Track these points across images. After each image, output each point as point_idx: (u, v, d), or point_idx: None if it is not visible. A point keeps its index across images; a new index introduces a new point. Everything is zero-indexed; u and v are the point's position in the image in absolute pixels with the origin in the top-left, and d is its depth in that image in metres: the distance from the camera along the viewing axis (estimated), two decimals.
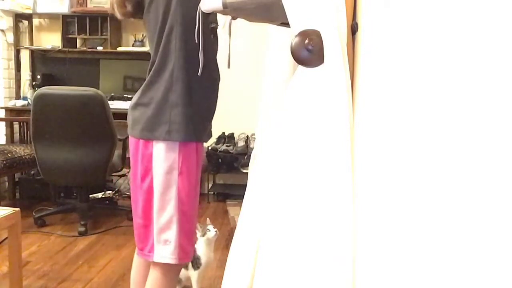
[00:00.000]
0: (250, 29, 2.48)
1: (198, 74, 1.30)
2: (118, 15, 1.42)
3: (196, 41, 1.27)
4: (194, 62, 1.32)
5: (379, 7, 0.81)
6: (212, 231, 2.14)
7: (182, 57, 1.31)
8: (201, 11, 1.22)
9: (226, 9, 1.12)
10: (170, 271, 1.44)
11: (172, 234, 1.36)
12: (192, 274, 2.11)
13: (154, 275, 1.44)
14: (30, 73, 4.13)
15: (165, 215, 1.36)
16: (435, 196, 0.58)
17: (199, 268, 2.10)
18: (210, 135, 1.48)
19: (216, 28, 1.41)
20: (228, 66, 1.44)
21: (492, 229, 0.47)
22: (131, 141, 1.41)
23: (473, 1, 0.51)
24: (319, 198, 0.84)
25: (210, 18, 1.36)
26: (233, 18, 1.39)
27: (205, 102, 1.40)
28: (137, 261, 1.59)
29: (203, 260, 2.10)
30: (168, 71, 1.32)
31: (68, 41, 4.01)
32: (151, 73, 1.35)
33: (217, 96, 1.46)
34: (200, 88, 1.37)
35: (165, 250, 1.37)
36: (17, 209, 1.83)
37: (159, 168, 1.33)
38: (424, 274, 0.61)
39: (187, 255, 1.42)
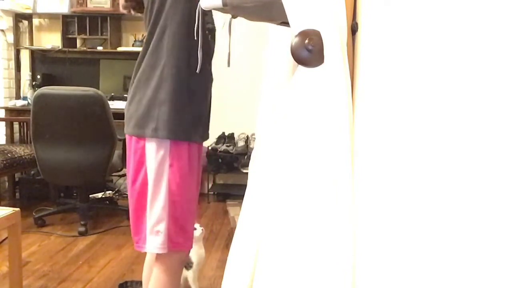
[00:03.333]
0: (250, 28, 2.48)
1: (197, 71, 1.32)
2: (120, 7, 1.46)
3: (196, 38, 1.29)
4: (186, 61, 1.34)
5: (379, 7, 0.81)
6: (198, 229, 2.16)
7: (174, 56, 1.32)
8: (201, 8, 1.22)
9: (225, 7, 1.12)
10: (171, 268, 1.45)
11: (162, 224, 1.38)
12: (187, 274, 2.12)
13: (156, 273, 1.46)
14: (30, 73, 4.13)
15: (156, 206, 1.38)
16: (435, 196, 0.58)
17: (191, 267, 2.11)
18: (205, 137, 1.48)
19: (214, 29, 1.42)
20: (228, 65, 1.45)
21: (492, 229, 0.47)
22: (126, 137, 1.43)
23: (473, 0, 0.51)
24: (318, 198, 0.84)
25: (206, 19, 1.37)
26: (233, 16, 1.39)
27: (196, 102, 1.41)
28: (149, 259, 1.61)
29: (194, 259, 2.12)
30: (159, 68, 1.33)
31: (68, 41, 4.01)
32: (145, 69, 1.36)
33: (210, 98, 1.47)
34: (193, 88, 1.38)
35: (155, 241, 1.39)
36: (17, 209, 1.83)
37: (152, 161, 1.36)
38: (424, 275, 0.61)
39: (177, 245, 1.42)
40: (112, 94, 3.90)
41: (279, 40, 1.25)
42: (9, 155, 3.29)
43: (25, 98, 3.99)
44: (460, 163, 0.53)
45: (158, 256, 1.46)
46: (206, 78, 1.43)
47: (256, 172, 1.12)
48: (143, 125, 1.35)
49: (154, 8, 1.33)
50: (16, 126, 4.00)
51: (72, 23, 3.97)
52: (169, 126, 1.33)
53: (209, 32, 1.40)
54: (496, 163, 0.47)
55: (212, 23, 1.42)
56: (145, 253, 1.64)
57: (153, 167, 1.36)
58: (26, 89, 4.05)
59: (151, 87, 1.34)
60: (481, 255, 0.49)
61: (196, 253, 2.13)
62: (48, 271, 2.47)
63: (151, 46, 1.35)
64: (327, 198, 0.84)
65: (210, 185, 4.09)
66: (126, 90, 4.02)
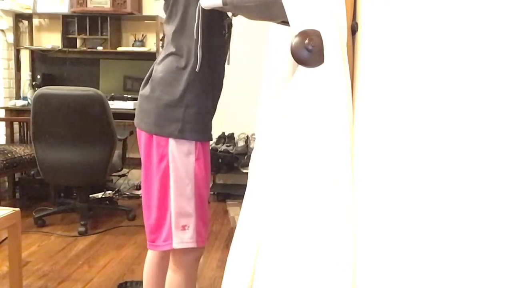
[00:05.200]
0: (251, 27, 2.48)
1: (196, 70, 1.32)
2: None
3: (195, 37, 1.29)
4: (212, 63, 1.36)
5: (379, 7, 0.81)
6: None
7: (201, 58, 1.33)
8: (201, 7, 1.23)
9: (226, 6, 1.12)
10: (189, 267, 1.44)
11: (191, 218, 1.38)
12: None
13: (173, 273, 1.44)
14: (30, 73, 4.13)
15: (183, 200, 1.37)
16: (435, 196, 0.58)
17: None
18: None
19: (231, 24, 1.43)
20: (228, 63, 1.45)
21: (492, 229, 0.47)
22: (141, 132, 1.41)
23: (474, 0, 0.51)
24: (318, 198, 0.84)
25: (224, 15, 1.38)
26: (233, 15, 1.39)
27: (214, 102, 1.44)
28: (150, 259, 1.59)
29: None
30: (187, 71, 1.34)
31: (68, 41, 4.01)
32: (174, 69, 1.35)
33: (220, 93, 1.49)
34: (214, 89, 1.41)
35: (184, 235, 1.38)
36: (17, 209, 1.83)
37: (177, 157, 1.35)
38: (424, 274, 0.61)
39: (203, 240, 1.43)
40: (112, 94, 3.90)
41: (279, 39, 1.25)
42: (9, 155, 3.29)
43: (25, 98, 3.99)
44: (460, 163, 0.53)
45: (175, 255, 1.44)
46: (222, 77, 1.46)
47: (256, 172, 1.12)
48: (165, 124, 1.34)
49: (179, 12, 1.33)
50: (16, 126, 4.00)
51: (72, 23, 3.97)
52: (195, 128, 1.35)
53: (227, 28, 1.41)
54: (496, 163, 0.47)
55: (229, 17, 1.42)
56: (145, 253, 1.63)
57: (178, 162, 1.35)
58: (26, 89, 4.05)
59: (177, 88, 1.34)
60: (481, 255, 0.49)
61: None
62: (48, 271, 2.47)
63: (182, 46, 1.34)
64: (327, 198, 0.84)
65: (210, 185, 4.09)
66: (126, 90, 4.02)
